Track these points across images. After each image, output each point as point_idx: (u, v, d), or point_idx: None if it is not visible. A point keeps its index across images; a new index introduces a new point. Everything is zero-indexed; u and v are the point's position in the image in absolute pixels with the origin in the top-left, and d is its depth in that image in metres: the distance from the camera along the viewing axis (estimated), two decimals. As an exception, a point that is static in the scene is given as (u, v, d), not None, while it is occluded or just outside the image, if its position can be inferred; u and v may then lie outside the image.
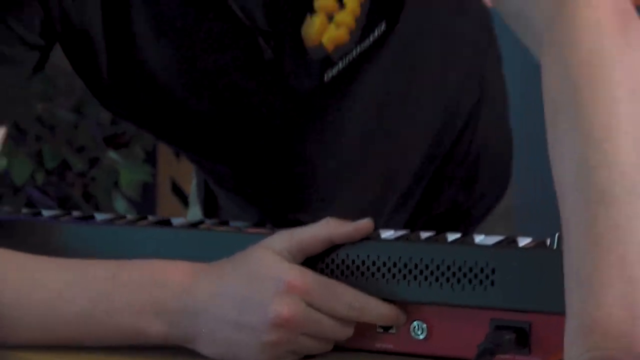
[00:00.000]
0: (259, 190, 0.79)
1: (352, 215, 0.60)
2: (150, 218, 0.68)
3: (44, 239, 0.65)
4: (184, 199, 2.08)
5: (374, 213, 0.64)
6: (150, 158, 2.08)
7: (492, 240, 0.58)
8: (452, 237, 0.58)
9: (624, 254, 0.44)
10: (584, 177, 0.46)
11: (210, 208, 0.89)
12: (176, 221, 0.67)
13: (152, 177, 2.02)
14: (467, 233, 0.61)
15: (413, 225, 0.76)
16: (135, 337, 0.57)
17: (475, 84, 0.84)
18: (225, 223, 0.69)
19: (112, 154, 1.85)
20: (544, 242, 0.56)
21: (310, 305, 0.54)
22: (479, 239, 0.58)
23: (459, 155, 0.83)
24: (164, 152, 2.08)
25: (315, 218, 0.60)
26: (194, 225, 0.67)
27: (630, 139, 0.47)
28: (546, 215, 0.81)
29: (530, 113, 1.02)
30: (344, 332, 0.56)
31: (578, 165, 0.46)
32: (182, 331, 0.56)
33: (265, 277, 0.55)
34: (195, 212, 0.92)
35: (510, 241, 0.58)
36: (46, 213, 0.70)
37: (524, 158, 1.00)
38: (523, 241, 0.57)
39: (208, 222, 0.72)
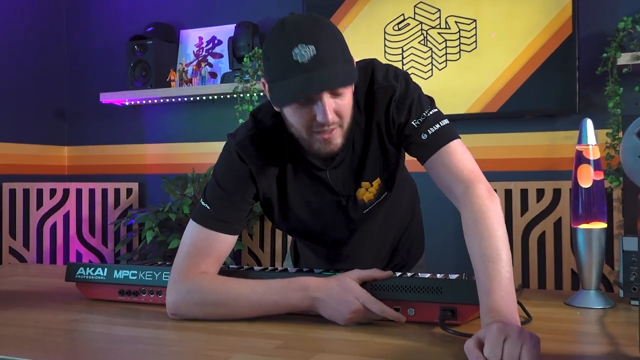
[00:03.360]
0: (327, 254, 1.55)
1: (364, 264, 1.36)
2: (272, 267, 1.42)
3: (245, 276, 1.34)
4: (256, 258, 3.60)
5: (374, 264, 1.41)
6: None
7: (440, 276, 1.32)
8: (423, 275, 1.32)
9: (499, 281, 1.07)
10: (485, 253, 1.12)
11: (297, 260, 1.69)
12: (290, 269, 1.42)
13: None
14: (416, 273, 1.36)
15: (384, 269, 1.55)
16: (294, 309, 1.22)
17: (412, 207, 1.65)
18: (311, 270, 1.42)
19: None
20: (461, 276, 1.29)
21: (363, 304, 1.21)
22: (439, 276, 1.31)
23: (406, 239, 1.62)
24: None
25: (346, 267, 1.36)
26: (299, 270, 1.40)
27: (504, 246, 1.14)
28: (436, 268, 1.60)
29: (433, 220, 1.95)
30: (377, 317, 1.21)
31: (482, 253, 1.13)
32: (314, 306, 1.21)
33: (348, 290, 1.21)
34: (288, 262, 1.73)
35: (446, 276, 1.31)
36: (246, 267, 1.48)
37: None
38: (453, 276, 1.31)
39: (304, 269, 1.45)
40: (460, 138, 1.31)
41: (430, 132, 1.28)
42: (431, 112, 1.30)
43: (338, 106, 1.20)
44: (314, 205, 1.40)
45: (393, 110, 1.30)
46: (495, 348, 0.90)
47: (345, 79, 1.19)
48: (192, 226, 1.32)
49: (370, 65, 1.34)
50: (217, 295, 1.25)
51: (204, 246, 1.29)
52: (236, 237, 1.34)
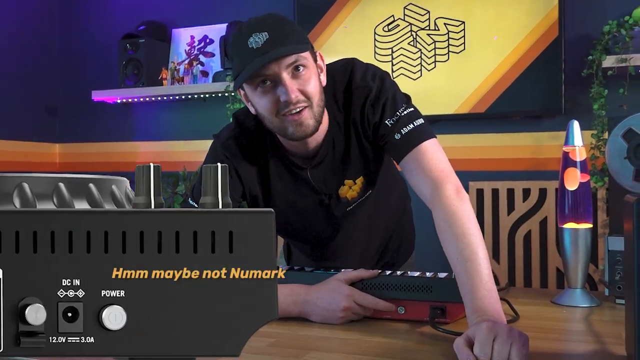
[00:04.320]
0: (313, 251, 1.58)
1: (351, 262, 1.42)
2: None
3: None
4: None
5: (361, 262, 1.45)
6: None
7: (429, 274, 1.36)
8: (413, 274, 1.36)
9: (480, 279, 1.10)
10: (461, 254, 1.15)
11: (289, 258, 1.72)
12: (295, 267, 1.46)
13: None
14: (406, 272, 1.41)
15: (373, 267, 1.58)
16: (285, 314, 1.25)
17: (401, 206, 1.68)
18: (302, 269, 1.45)
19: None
20: (450, 275, 1.34)
21: (355, 302, 1.26)
22: (428, 274, 1.35)
23: (396, 237, 1.66)
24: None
25: (333, 265, 1.41)
26: (290, 268, 1.43)
27: (479, 245, 1.17)
28: (425, 266, 1.64)
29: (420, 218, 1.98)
30: (369, 312, 1.26)
31: (459, 253, 1.16)
32: (304, 311, 1.26)
33: (337, 290, 1.25)
34: (282, 260, 1.77)
35: (436, 275, 1.35)
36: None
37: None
38: (442, 275, 1.35)
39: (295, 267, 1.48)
40: (435, 137, 1.32)
41: (403, 132, 1.29)
42: (406, 112, 1.31)
43: (301, 85, 1.24)
44: (297, 205, 1.44)
45: (368, 110, 1.33)
46: (485, 346, 0.94)
47: (292, 50, 1.21)
48: None
49: (350, 64, 1.37)
50: None
51: None
52: None
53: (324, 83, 1.32)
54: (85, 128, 4.12)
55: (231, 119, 1.44)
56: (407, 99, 1.36)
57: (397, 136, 1.30)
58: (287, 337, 1.15)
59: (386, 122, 1.31)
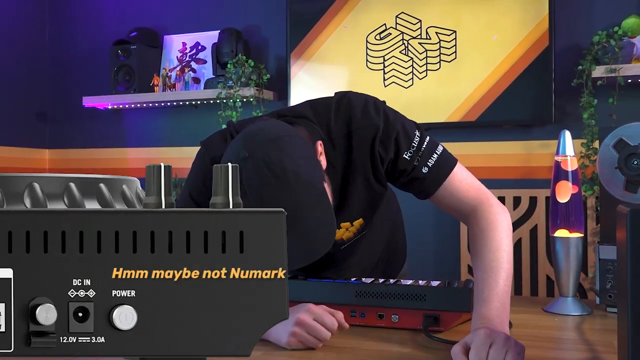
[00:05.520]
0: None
1: (353, 271, 1.40)
2: None
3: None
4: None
5: (361, 272, 1.44)
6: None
7: (422, 283, 1.36)
8: (406, 282, 1.36)
9: (497, 292, 1.10)
10: (489, 264, 1.15)
11: None
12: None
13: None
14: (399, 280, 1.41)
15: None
16: None
17: (395, 221, 1.67)
18: (294, 277, 1.45)
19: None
20: (444, 283, 1.35)
21: (314, 319, 1.11)
22: (421, 282, 1.36)
23: (390, 250, 1.66)
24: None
25: (334, 274, 1.40)
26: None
27: (507, 260, 1.17)
28: (417, 272, 1.63)
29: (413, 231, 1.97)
30: (326, 333, 1.10)
31: (487, 264, 1.16)
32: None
33: (296, 309, 1.13)
34: None
35: (429, 283, 1.36)
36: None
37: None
38: (435, 283, 1.35)
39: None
40: (457, 160, 1.29)
41: (430, 165, 1.23)
42: (423, 141, 1.25)
43: None
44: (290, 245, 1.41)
45: (379, 149, 1.23)
46: (481, 352, 0.94)
47: None
48: None
49: (344, 100, 1.26)
50: None
51: None
52: None
53: (325, 165, 1.19)
54: (76, 134, 4.11)
55: (225, 124, 1.41)
56: (416, 126, 1.28)
57: (425, 170, 1.23)
58: (279, 346, 1.15)
59: (405, 156, 1.23)
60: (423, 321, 1.24)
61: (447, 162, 1.26)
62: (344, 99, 1.26)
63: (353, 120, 1.23)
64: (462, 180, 1.26)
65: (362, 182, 1.27)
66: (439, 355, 1.07)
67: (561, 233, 1.50)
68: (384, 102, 1.29)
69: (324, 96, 1.31)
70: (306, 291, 1.34)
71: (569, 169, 1.52)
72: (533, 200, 3.12)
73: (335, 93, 1.30)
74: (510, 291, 1.14)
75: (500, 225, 1.21)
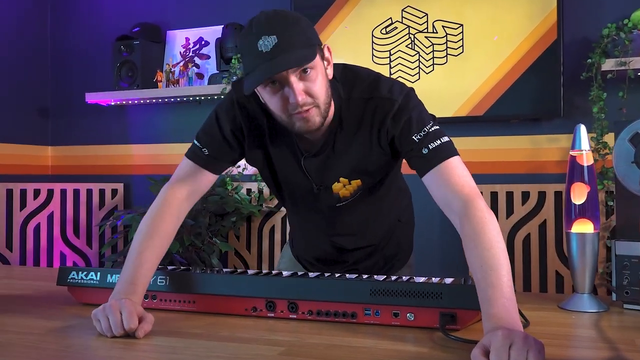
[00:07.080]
0: (314, 229, 1.64)
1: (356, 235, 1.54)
2: (266, 271, 1.45)
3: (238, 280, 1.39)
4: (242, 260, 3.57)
5: (364, 239, 1.57)
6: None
7: (436, 280, 1.33)
8: (419, 279, 1.33)
9: (501, 289, 1.08)
10: (487, 263, 1.13)
11: (292, 246, 1.79)
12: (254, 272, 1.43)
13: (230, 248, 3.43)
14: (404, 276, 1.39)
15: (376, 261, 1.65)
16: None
17: (403, 226, 1.71)
18: (305, 274, 1.42)
19: (215, 239, 3.34)
20: (459, 280, 1.32)
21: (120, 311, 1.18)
22: (435, 280, 1.33)
23: (396, 237, 1.65)
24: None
25: (343, 240, 1.56)
26: (294, 274, 1.41)
27: (504, 257, 1.15)
28: (424, 270, 1.61)
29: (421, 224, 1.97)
30: (107, 328, 1.17)
31: (484, 262, 1.13)
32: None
33: (116, 303, 1.20)
34: (287, 249, 1.85)
35: (442, 280, 1.33)
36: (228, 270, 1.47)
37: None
38: (448, 281, 1.32)
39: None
40: (459, 155, 1.36)
41: (431, 147, 1.34)
42: (432, 129, 1.36)
43: (308, 87, 1.30)
44: (293, 181, 1.52)
45: (389, 123, 1.38)
46: (502, 354, 0.91)
47: (299, 60, 1.26)
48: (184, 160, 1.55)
49: (378, 74, 1.44)
50: (133, 244, 1.37)
51: (186, 176, 1.51)
52: (217, 176, 1.53)
53: (331, 76, 1.37)
54: (79, 130, 4.08)
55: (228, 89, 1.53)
56: (433, 118, 1.40)
57: (425, 150, 1.34)
58: (297, 345, 1.12)
59: (414, 137, 1.35)
60: (440, 320, 1.21)
61: (448, 150, 1.34)
62: (375, 79, 1.42)
63: (377, 90, 1.39)
64: (459, 172, 1.32)
65: (365, 141, 1.42)
66: (459, 355, 1.04)
67: (577, 229, 1.47)
68: (412, 89, 1.43)
69: (360, 65, 1.48)
70: (320, 289, 1.30)
71: (585, 164, 1.49)
72: (542, 195, 3.09)
73: (367, 71, 1.46)
74: (512, 286, 1.11)
75: (490, 224, 1.21)
